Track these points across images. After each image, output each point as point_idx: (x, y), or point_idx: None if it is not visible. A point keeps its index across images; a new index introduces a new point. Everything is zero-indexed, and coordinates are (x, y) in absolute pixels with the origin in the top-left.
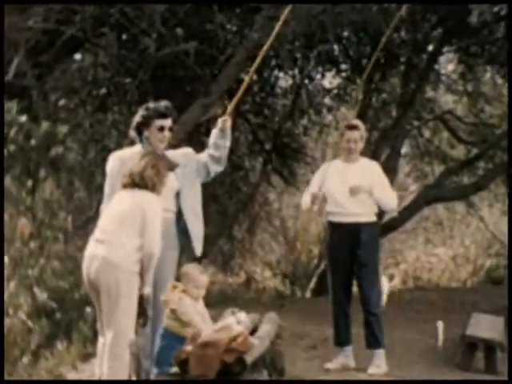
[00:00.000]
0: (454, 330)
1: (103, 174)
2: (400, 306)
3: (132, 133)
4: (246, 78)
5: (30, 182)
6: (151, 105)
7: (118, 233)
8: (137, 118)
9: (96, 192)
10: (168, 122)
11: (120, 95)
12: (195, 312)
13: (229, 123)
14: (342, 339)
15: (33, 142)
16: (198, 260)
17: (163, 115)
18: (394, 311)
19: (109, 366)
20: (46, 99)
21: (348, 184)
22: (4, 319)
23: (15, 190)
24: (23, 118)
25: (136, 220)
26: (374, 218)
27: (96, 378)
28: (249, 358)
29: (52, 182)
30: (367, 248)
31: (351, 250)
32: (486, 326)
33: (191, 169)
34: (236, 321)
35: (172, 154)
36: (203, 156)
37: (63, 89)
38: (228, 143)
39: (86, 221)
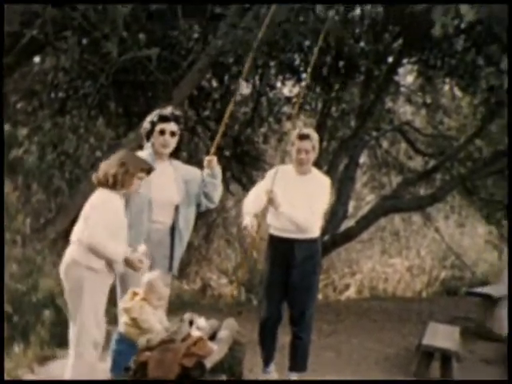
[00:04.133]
0: (410, 339)
1: (61, 177)
2: (357, 315)
3: (144, 141)
4: (228, 111)
5: None
6: (157, 110)
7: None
8: (144, 125)
9: (54, 195)
10: (170, 126)
11: (80, 99)
12: (156, 320)
13: (214, 162)
14: (267, 358)
15: None
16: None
17: (165, 119)
18: (351, 320)
19: (71, 365)
20: (5, 101)
21: (291, 199)
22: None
23: None
24: None
25: (87, 217)
26: (312, 235)
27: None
28: (208, 363)
29: (9, 184)
30: (301, 267)
31: (285, 267)
32: (442, 336)
33: (193, 189)
34: (195, 326)
35: (181, 167)
36: (201, 189)
37: (23, 91)
38: (218, 182)
39: (45, 224)
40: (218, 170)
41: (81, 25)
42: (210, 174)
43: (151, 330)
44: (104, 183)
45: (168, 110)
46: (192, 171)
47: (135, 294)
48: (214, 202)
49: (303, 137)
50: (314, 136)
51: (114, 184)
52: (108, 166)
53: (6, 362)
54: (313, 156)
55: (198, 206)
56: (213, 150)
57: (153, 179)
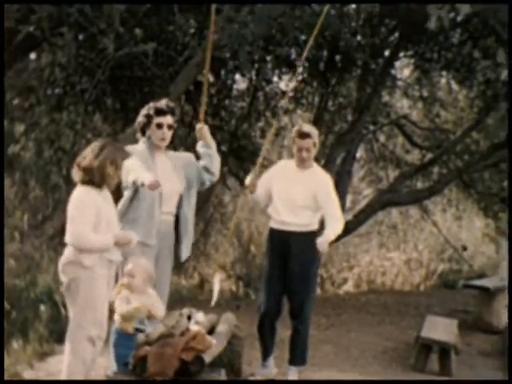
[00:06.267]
0: (408, 333)
1: (59, 173)
2: (355, 308)
3: (138, 135)
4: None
5: None
6: (151, 104)
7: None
8: (139, 118)
9: (52, 191)
10: (167, 120)
11: (77, 95)
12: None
13: (205, 130)
14: (266, 352)
15: None
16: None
17: (161, 112)
18: (350, 313)
19: (67, 361)
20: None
21: (291, 192)
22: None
23: None
24: None
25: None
26: (311, 228)
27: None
28: (207, 357)
29: (6, 181)
30: (299, 260)
31: (283, 260)
32: (440, 329)
33: (192, 174)
34: (194, 321)
35: (175, 156)
36: (199, 165)
37: (19, 88)
38: (212, 151)
39: (42, 220)
40: (210, 138)
41: (77, 20)
42: (203, 144)
43: (132, 315)
44: (92, 182)
45: (163, 103)
46: (186, 156)
47: (122, 285)
48: (215, 174)
49: (304, 135)
50: (315, 133)
51: (102, 182)
52: (100, 167)
53: (5, 358)
54: (314, 152)
55: (202, 185)
56: (201, 116)
57: (156, 172)
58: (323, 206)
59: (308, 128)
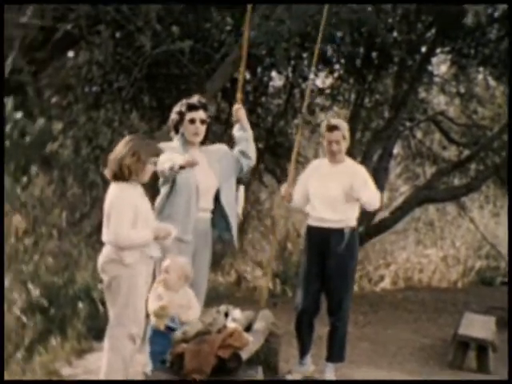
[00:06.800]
0: (446, 330)
1: (96, 171)
2: (392, 305)
3: (171, 133)
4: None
5: (24, 179)
6: (184, 100)
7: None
8: (172, 116)
9: (89, 189)
10: (199, 114)
11: (114, 93)
12: (175, 300)
13: (242, 112)
14: (303, 350)
15: (28, 138)
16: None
17: (193, 107)
18: (387, 311)
19: (107, 358)
20: (41, 96)
21: (326, 188)
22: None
23: (9, 186)
24: (18, 115)
25: (108, 217)
26: (349, 224)
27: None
28: (244, 354)
29: (44, 178)
30: (337, 257)
31: (322, 257)
32: (478, 326)
33: (227, 165)
34: (231, 318)
35: (209, 150)
36: (235, 151)
37: (57, 86)
38: (248, 135)
39: (80, 218)
40: (246, 121)
41: (114, 18)
42: (240, 127)
43: (159, 313)
44: (120, 177)
45: (195, 99)
46: (219, 148)
47: (159, 282)
48: (252, 158)
49: (332, 128)
50: (343, 125)
51: (129, 175)
52: (120, 158)
53: (43, 355)
54: (344, 145)
55: (241, 171)
56: (239, 96)
57: (194, 168)
58: (360, 191)
59: (336, 121)
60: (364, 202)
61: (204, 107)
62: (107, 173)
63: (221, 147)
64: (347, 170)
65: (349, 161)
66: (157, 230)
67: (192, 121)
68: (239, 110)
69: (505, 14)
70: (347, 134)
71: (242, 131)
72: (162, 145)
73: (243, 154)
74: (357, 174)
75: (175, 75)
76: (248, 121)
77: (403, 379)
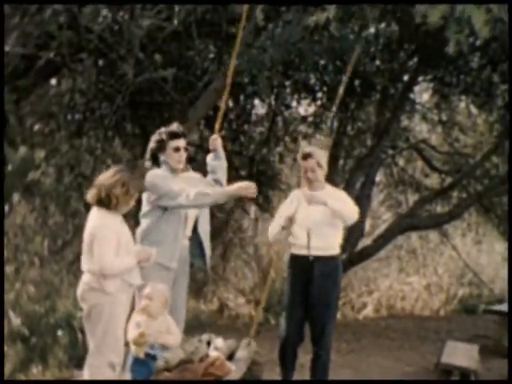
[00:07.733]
0: (428, 358)
1: (79, 199)
2: (375, 333)
3: (147, 163)
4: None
5: (6, 207)
6: (163, 129)
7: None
8: (151, 145)
9: (72, 217)
10: (182, 142)
11: (97, 120)
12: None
13: (219, 141)
14: (286, 377)
15: (10, 166)
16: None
17: (176, 135)
18: (369, 339)
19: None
20: (23, 124)
21: (308, 214)
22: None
23: None
24: None
25: (90, 246)
26: (332, 253)
27: None
28: None
29: (26, 206)
30: (320, 285)
31: (305, 285)
32: (461, 354)
33: None
34: (213, 347)
35: (189, 177)
36: (209, 179)
37: (40, 113)
38: (223, 162)
39: (62, 245)
40: (221, 150)
41: (97, 46)
42: (214, 156)
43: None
44: (105, 204)
45: (175, 127)
46: (194, 175)
47: (139, 309)
48: (224, 184)
49: (306, 156)
50: (317, 153)
51: (115, 205)
52: (109, 187)
53: None
54: (321, 173)
55: None
56: (217, 126)
57: None
58: (335, 204)
59: (309, 149)
60: (341, 215)
61: (184, 135)
62: (91, 197)
63: (196, 175)
64: (328, 195)
65: (329, 187)
66: (138, 252)
67: (177, 149)
68: (216, 140)
69: (486, 43)
70: (323, 161)
71: (218, 160)
72: (152, 172)
73: (217, 182)
74: (338, 197)
75: (158, 103)
76: (231, 149)
77: None
